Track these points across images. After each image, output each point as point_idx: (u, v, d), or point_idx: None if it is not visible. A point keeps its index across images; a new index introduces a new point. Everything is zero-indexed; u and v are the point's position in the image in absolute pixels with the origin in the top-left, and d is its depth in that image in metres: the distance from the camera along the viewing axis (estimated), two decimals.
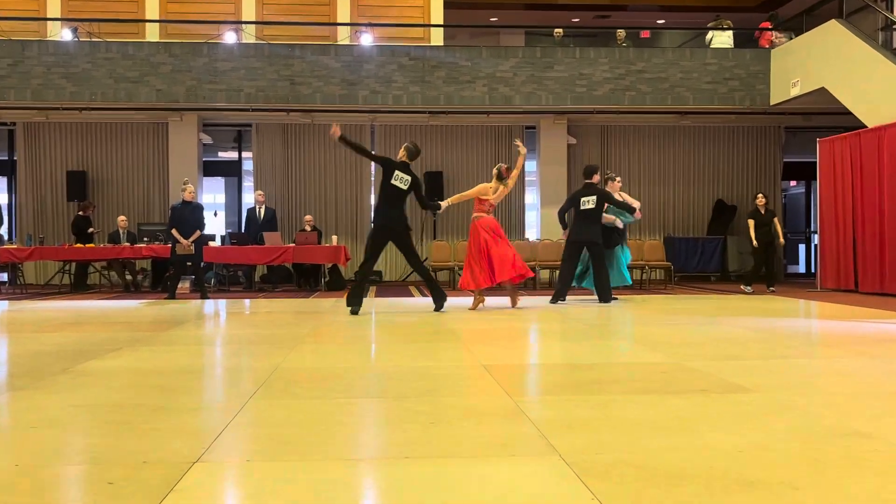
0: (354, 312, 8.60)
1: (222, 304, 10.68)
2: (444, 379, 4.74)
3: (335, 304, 9.95)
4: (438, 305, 9.02)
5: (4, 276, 15.46)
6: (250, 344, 6.43)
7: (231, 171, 17.81)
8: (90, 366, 5.21)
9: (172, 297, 11.36)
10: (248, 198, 17.06)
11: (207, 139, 16.61)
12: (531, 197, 17.71)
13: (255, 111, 15.40)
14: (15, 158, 16.65)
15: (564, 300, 10.24)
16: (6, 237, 15.11)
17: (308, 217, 14.72)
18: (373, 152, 10.40)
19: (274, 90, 14.52)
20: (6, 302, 11.22)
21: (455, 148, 16.72)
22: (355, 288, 8.75)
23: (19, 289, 14.15)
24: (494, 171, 9.41)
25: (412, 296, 12.11)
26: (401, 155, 8.87)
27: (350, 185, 16.62)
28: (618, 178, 10.94)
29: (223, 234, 16.10)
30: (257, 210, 14.60)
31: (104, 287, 14.43)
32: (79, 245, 13.49)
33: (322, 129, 15.97)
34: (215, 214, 14.90)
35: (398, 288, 14.11)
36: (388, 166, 8.72)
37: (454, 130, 16.69)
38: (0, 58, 14.25)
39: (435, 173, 16.29)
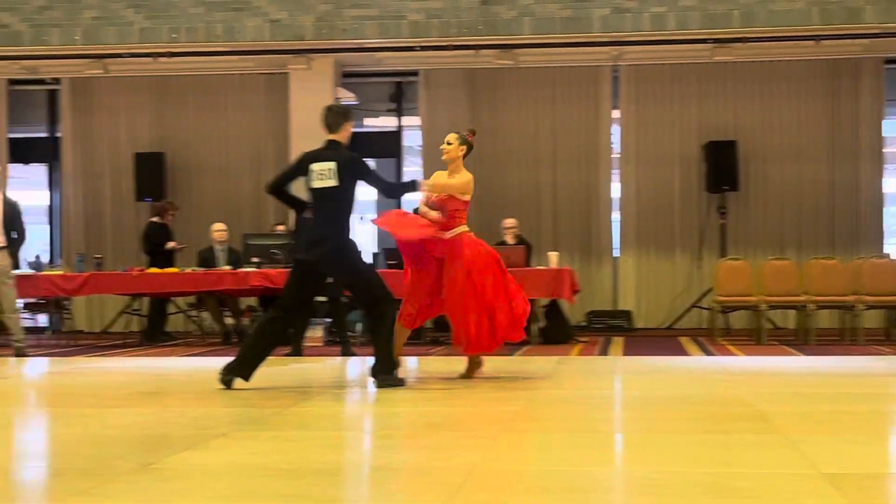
0: (236, 376, 7.55)
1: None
2: (755, 498, 3.85)
3: (559, 365, 9.46)
4: (376, 379, 7.69)
5: (44, 319, 14.38)
6: (426, 429, 5.95)
7: (385, 149, 16.45)
8: (180, 460, 4.83)
9: (298, 352, 10.75)
10: None
11: (350, 98, 15.08)
12: (893, 183, 15.80)
13: (426, 50, 14.09)
14: (58, 135, 15.23)
15: None
16: (45, 260, 13.52)
17: (510, 222, 13.25)
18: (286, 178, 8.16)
19: (455, 14, 13.30)
20: (47, 359, 11.08)
21: (758, 99, 14.61)
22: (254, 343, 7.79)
23: (66, 338, 13.44)
24: (454, 138, 7.86)
25: (685, 352, 11.30)
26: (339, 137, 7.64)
27: (580, 165, 15.01)
28: None
29: (375, 250, 14.63)
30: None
31: (192, 336, 13.72)
32: (154, 270, 12.51)
33: (532, 76, 14.82)
34: (361, 219, 14.71)
35: (661, 339, 13.12)
36: (299, 168, 7.66)
37: (756, 70, 14.66)
38: None
39: (723, 144, 14.04)
